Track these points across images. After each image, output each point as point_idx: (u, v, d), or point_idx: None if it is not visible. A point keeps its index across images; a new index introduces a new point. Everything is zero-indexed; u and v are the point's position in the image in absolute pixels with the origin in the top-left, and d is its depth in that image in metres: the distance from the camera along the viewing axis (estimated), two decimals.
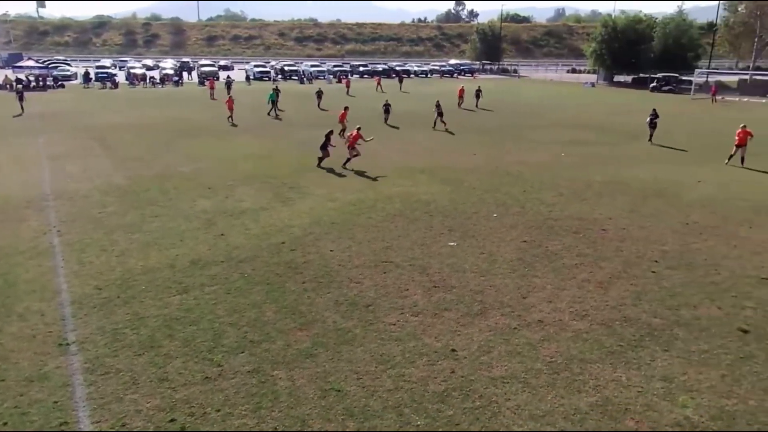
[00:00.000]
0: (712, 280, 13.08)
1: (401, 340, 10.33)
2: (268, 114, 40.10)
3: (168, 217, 17.29)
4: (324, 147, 23.95)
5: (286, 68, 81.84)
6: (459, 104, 46.46)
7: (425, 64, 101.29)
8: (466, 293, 12.27)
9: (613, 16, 79.86)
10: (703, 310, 11.63)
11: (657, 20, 77.84)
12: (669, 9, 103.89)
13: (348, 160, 23.89)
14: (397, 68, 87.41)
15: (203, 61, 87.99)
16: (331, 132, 24.48)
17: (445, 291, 12.37)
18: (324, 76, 77.69)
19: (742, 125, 25.39)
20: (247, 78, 73.03)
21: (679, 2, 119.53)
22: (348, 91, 56.84)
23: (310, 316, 11.21)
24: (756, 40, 77.56)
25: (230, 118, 36.93)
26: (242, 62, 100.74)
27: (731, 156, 25.24)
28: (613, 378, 9.26)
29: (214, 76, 68.54)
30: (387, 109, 35.79)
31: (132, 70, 72.16)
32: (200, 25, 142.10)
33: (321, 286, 12.57)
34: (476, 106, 46.40)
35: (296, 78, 77.46)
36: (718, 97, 55.56)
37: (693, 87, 61.55)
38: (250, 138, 31.60)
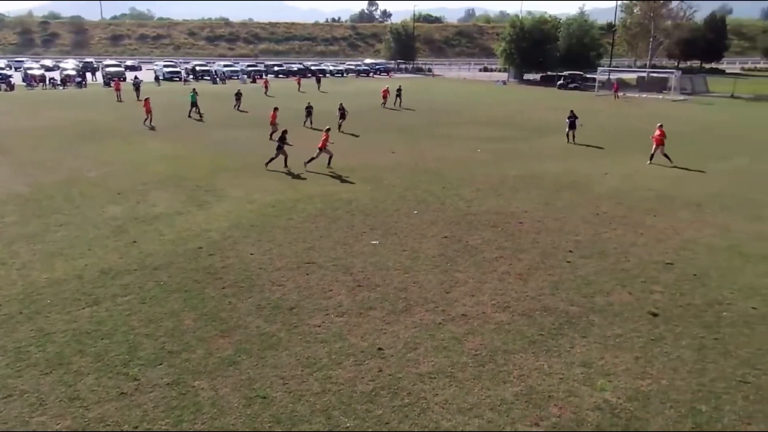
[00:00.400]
0: (623, 267, 13.68)
1: (327, 342, 10.17)
2: (189, 116, 38.77)
3: (74, 226, 16.31)
4: (280, 147, 23.50)
5: (198, 68, 79.46)
6: (383, 104, 46.58)
7: (341, 63, 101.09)
8: (391, 291, 12.25)
9: (520, 17, 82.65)
10: (615, 296, 12.13)
11: (561, 21, 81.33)
12: (572, 10, 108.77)
13: (311, 159, 23.40)
14: (313, 68, 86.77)
15: (108, 62, 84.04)
16: (286, 131, 24.15)
17: (369, 290, 12.30)
18: (238, 76, 75.99)
19: (659, 124, 25.74)
20: (156, 78, 70.29)
21: (581, 4, 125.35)
22: (266, 92, 55.63)
23: (231, 322, 10.84)
24: (651, 40, 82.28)
25: (147, 121, 35.11)
26: (151, 62, 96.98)
27: (665, 155, 25.20)
28: (536, 367, 9.48)
29: (120, 76, 65.53)
30: (309, 111, 35.06)
31: (29, 71, 67.91)
32: (104, 24, 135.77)
33: (242, 290, 12.20)
34: (399, 105, 46.57)
35: (209, 78, 75.38)
36: (620, 94, 58.50)
37: (597, 84, 64.51)
38: (163, 140, 30.41)
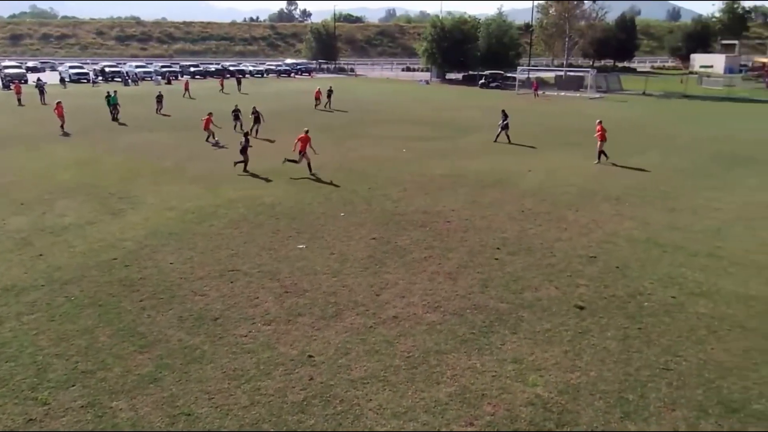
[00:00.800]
0: (549, 262, 14.05)
1: (254, 352, 9.89)
2: (115, 118, 37.07)
3: None
4: (244, 150, 23.14)
5: (107, 69, 76.22)
6: (315, 105, 45.90)
7: (260, 63, 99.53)
8: (319, 296, 12.08)
9: (440, 17, 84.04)
10: (543, 291, 12.43)
11: (480, 21, 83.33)
12: (490, 11, 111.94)
13: (309, 164, 22.88)
14: (232, 68, 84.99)
15: (7, 62, 79.30)
16: (248, 134, 23.86)
17: (297, 296, 12.08)
18: (151, 77, 73.46)
19: (598, 121, 26.34)
20: (62, 80, 66.81)
21: (499, 4, 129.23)
22: (186, 93, 53.48)
23: (151, 336, 10.37)
24: (567, 39, 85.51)
25: (61, 126, 33.21)
26: (56, 63, 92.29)
27: (600, 153, 25.91)
28: (469, 366, 9.55)
29: (21, 78, 62.03)
30: (237, 115, 33.87)
31: None
32: (1, 23, 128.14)
33: (162, 302, 11.70)
34: (329, 106, 45.95)
35: (120, 80, 72.47)
36: (540, 92, 60.44)
37: (517, 83, 66.39)
38: (71, 146, 28.93)
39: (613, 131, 35.64)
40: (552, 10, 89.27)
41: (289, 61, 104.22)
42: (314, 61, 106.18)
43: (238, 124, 33.48)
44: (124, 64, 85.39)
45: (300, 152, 22.50)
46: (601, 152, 25.80)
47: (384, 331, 10.64)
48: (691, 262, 14.04)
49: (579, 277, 13.15)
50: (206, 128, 29.60)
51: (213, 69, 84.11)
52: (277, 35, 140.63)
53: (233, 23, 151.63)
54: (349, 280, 12.87)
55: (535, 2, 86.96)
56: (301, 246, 14.96)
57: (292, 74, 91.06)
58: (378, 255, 14.41)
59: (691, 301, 11.97)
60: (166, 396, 8.66)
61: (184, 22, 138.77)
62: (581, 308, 11.63)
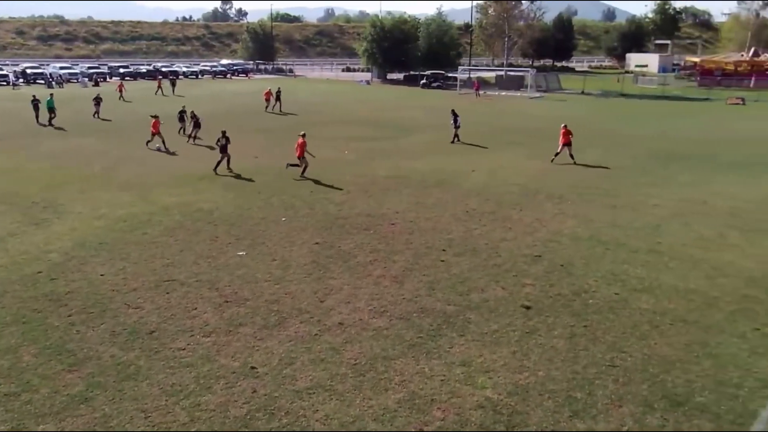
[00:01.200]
0: (494, 262, 14.21)
1: (194, 366, 9.58)
2: (50, 123, 35.39)
3: None
4: (224, 149, 23.39)
5: (29, 71, 73.07)
6: (266, 108, 44.79)
7: (195, 64, 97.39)
8: (261, 304, 11.83)
9: (380, 17, 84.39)
10: (490, 292, 12.54)
11: (420, 21, 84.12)
12: (430, 10, 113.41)
13: (304, 169, 22.54)
14: (164, 69, 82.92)
15: None
16: (225, 131, 23.84)
17: (238, 305, 11.80)
18: (78, 78, 70.88)
19: (563, 125, 26.71)
20: None
21: (438, 4, 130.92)
22: (121, 96, 51.30)
23: (81, 353, 9.91)
24: (506, 39, 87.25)
25: None
26: None
27: (557, 154, 26.30)
28: (417, 371, 9.52)
29: None
30: (182, 116, 32.84)
31: None
32: None
33: (92, 317, 11.22)
34: (279, 108, 44.94)
35: (42, 82, 69.62)
36: (481, 92, 61.37)
37: (458, 83, 67.23)
38: None
39: (554, 130, 36.52)
40: (491, 11, 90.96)
41: (224, 61, 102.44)
42: (251, 62, 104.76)
43: (184, 127, 32.67)
44: (47, 65, 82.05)
45: (299, 156, 22.49)
46: (559, 152, 26.29)
47: (329, 339, 10.50)
48: (633, 259, 14.46)
49: (525, 277, 13.33)
50: (156, 132, 28.27)
51: (144, 70, 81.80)
52: (212, 35, 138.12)
53: (165, 23, 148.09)
54: (292, 287, 12.67)
55: (474, 2, 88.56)
56: (241, 253, 14.65)
57: (229, 75, 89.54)
58: (321, 260, 14.26)
59: (633, 297, 12.31)
60: (99, 416, 8.29)
61: (112, 22, 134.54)
62: (528, 308, 11.79)
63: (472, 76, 71.05)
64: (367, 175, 23.17)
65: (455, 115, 31.42)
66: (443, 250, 15.00)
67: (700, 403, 8.70)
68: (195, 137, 30.66)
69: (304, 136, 22.81)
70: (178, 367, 9.55)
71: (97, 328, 10.80)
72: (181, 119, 32.86)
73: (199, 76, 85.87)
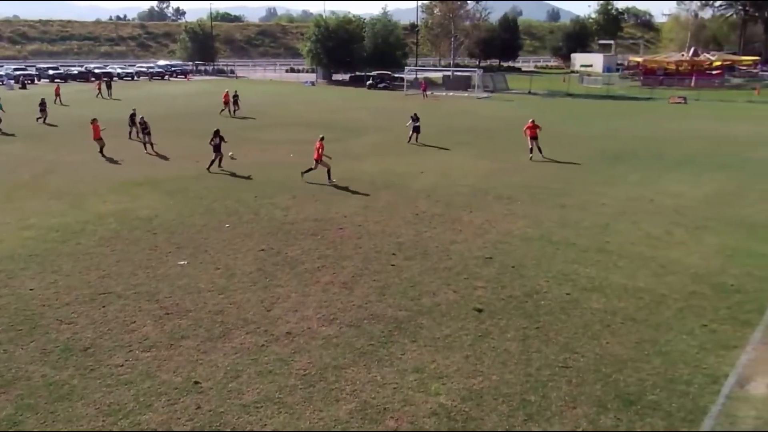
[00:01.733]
0: (446, 265, 14.27)
1: (133, 383, 9.26)
2: None
3: None
4: (217, 148, 24.08)
5: None
6: (229, 111, 43.37)
7: (130, 65, 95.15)
8: (205, 315, 11.55)
9: (324, 17, 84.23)
10: (441, 296, 12.57)
11: (365, 21, 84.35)
12: (375, 10, 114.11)
13: (329, 172, 22.41)
14: (96, 70, 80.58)
15: None
16: (218, 130, 24.57)
17: (179, 317, 11.48)
18: (2, 81, 68.20)
19: (531, 120, 27.71)
20: None
21: (383, 4, 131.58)
22: (57, 99, 49.12)
23: (8, 374, 9.44)
24: (452, 39, 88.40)
25: None
26: None
27: (532, 149, 27.16)
28: (369, 379, 9.44)
29: None
30: (133, 119, 31.71)
31: None
32: None
33: (21, 334, 10.72)
34: (235, 113, 43.57)
35: None
36: (428, 93, 61.85)
37: (405, 84, 67.63)
38: None
39: (501, 130, 37.17)
40: (436, 10, 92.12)
41: (162, 62, 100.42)
42: (190, 63, 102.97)
43: (131, 132, 31.72)
44: None
45: (316, 159, 22.38)
46: (532, 148, 27.18)
47: (277, 349, 10.32)
48: (583, 258, 14.75)
49: (476, 279, 13.43)
50: (97, 137, 27.00)
51: (76, 71, 79.38)
52: (148, 35, 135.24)
53: (98, 22, 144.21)
54: (237, 297, 12.42)
55: (420, 2, 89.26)
56: (182, 262, 14.29)
57: (167, 77, 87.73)
58: (267, 267, 14.04)
59: (584, 297, 12.54)
60: None
61: (41, 21, 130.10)
62: (480, 311, 11.86)
63: (418, 76, 71.57)
64: (314, 179, 22.98)
65: (416, 118, 31.48)
66: (393, 254, 14.99)
67: (652, 402, 8.90)
68: (148, 144, 29.42)
69: (322, 139, 22.76)
70: (116, 385, 9.21)
71: (27, 346, 10.33)
72: (132, 122, 31.84)
73: (135, 78, 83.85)
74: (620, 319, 11.57)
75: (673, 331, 11.10)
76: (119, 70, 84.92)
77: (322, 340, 10.64)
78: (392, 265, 14.25)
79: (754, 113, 47.50)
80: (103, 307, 11.88)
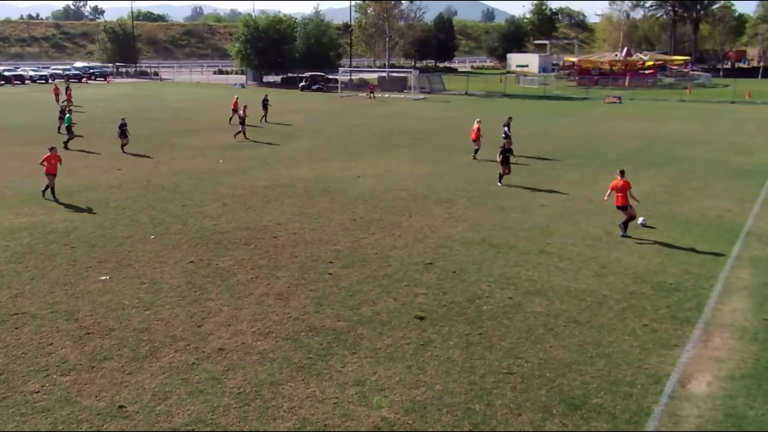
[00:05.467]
0: (385, 272, 14.24)
1: (50, 410, 8.82)
2: None
3: None
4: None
5: None
6: (230, 119, 39.23)
7: (44, 67, 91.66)
8: (129, 334, 11.14)
9: (253, 16, 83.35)
10: (381, 304, 12.53)
11: (297, 21, 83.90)
12: (307, 9, 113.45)
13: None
14: (6, 73, 77.28)
15: None
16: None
17: (101, 336, 11.03)
18: None
19: (477, 120, 28.96)
20: None
21: (315, 3, 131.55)
22: None
23: None
24: (387, 40, 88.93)
25: None
26: None
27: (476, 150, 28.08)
28: (308, 395, 9.29)
29: None
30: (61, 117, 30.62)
31: None
32: None
33: None
34: (262, 119, 40.60)
35: None
36: (373, 95, 61.85)
37: (339, 85, 67.55)
38: None
39: (439, 131, 37.56)
40: (370, 10, 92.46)
41: (79, 64, 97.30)
42: (110, 64, 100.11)
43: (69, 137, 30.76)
44: None
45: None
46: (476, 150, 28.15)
47: (209, 367, 10.03)
48: (525, 261, 15.00)
49: (417, 286, 13.44)
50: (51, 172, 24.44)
51: None
52: (64, 35, 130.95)
53: (7, 21, 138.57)
54: (165, 312, 12.04)
55: (353, 2, 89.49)
56: (103, 277, 13.76)
57: (84, 79, 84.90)
58: (197, 280, 13.68)
59: (527, 301, 12.73)
60: None
61: None
62: (421, 318, 11.87)
63: (353, 77, 71.60)
64: (246, 186, 22.61)
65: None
66: (330, 262, 14.86)
67: (596, 405, 9.08)
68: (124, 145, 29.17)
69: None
70: (32, 414, 8.75)
71: None
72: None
73: (50, 81, 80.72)
74: (563, 321, 11.79)
75: (615, 332, 11.38)
76: (32, 73, 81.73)
77: (257, 356, 10.42)
78: (329, 273, 14.12)
79: (686, 112, 49.59)
80: (16, 328, 11.30)
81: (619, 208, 16.86)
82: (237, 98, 40.57)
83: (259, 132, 36.82)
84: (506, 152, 23.29)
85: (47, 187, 20.42)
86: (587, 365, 10.19)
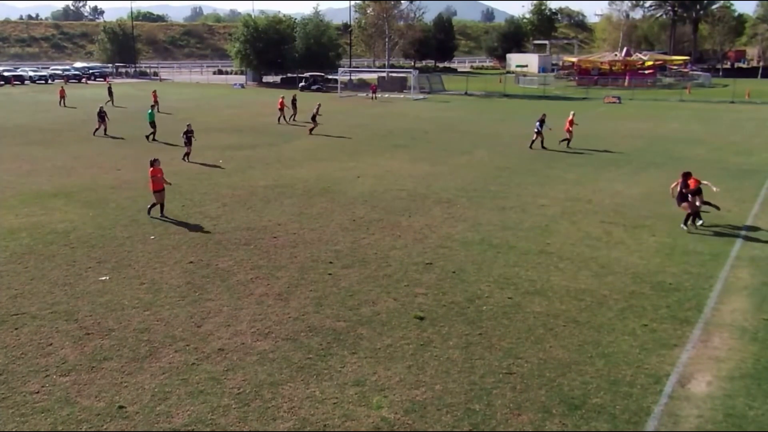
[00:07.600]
0: (385, 272, 14.23)
1: (50, 411, 8.83)
2: None
3: None
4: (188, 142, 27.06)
5: None
6: (284, 118, 40.62)
7: (44, 68, 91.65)
8: (129, 334, 11.14)
9: (253, 16, 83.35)
10: (381, 304, 12.53)
11: (296, 21, 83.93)
12: (306, 10, 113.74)
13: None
14: (6, 73, 77.28)
15: None
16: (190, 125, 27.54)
17: (101, 337, 11.04)
18: None
19: (572, 112, 31.45)
20: None
21: (315, 3, 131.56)
22: None
23: None
24: (387, 40, 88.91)
25: None
26: None
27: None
28: (307, 395, 9.29)
29: None
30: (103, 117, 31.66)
31: None
32: None
33: None
34: (290, 118, 41.13)
35: None
36: (376, 95, 61.78)
37: (339, 85, 67.54)
38: None
39: (439, 131, 37.54)
40: (370, 10, 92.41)
41: (79, 64, 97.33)
42: (110, 65, 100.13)
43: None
44: None
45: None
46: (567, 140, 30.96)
47: (209, 367, 10.04)
48: (524, 261, 14.99)
49: (417, 286, 13.44)
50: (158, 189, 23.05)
51: None
52: (63, 35, 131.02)
53: (6, 21, 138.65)
54: (165, 313, 12.04)
55: (353, 2, 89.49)
56: (103, 278, 13.76)
57: (84, 80, 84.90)
58: (197, 281, 13.68)
59: (527, 301, 12.73)
60: None
61: None
62: (421, 318, 11.87)
63: (353, 77, 71.57)
64: (246, 186, 22.61)
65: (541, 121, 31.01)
66: (330, 262, 14.85)
67: (596, 405, 9.08)
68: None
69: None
70: (32, 414, 8.76)
71: None
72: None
73: (49, 81, 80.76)
74: (562, 322, 11.79)
75: (615, 332, 11.38)
76: (31, 73, 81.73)
77: (256, 356, 10.42)
78: (329, 274, 14.12)
79: (685, 112, 49.58)
80: (16, 329, 11.30)
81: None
82: (283, 98, 42.42)
83: (259, 132, 36.82)
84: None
85: (153, 204, 18.51)
86: (587, 365, 10.19)
